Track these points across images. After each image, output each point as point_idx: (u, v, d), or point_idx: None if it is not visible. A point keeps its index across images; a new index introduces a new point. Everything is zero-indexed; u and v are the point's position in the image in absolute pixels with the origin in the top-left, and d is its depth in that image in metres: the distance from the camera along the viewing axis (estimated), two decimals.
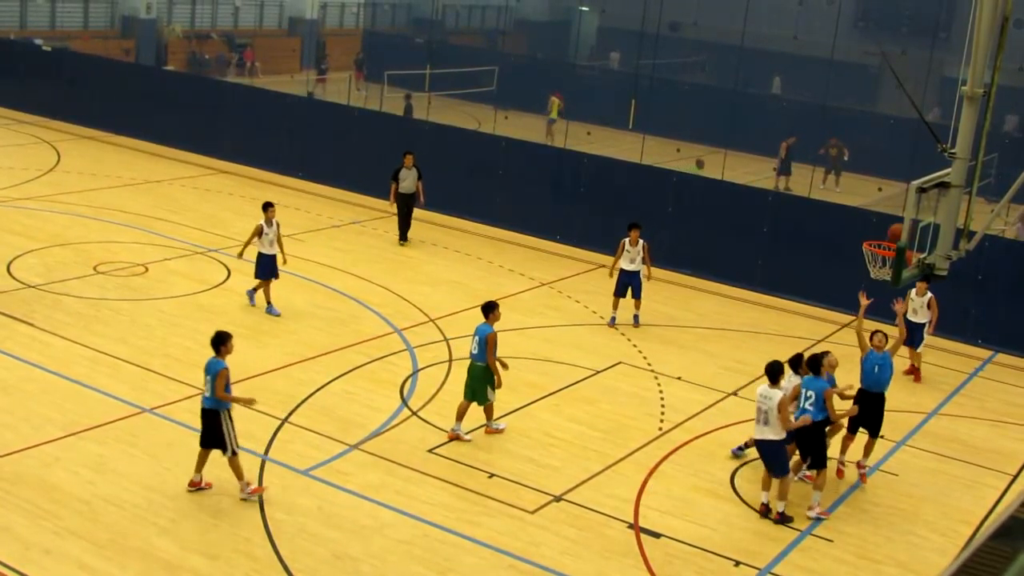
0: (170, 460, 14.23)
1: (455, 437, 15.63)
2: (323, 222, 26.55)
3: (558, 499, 14.18)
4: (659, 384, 18.56)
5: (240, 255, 20.27)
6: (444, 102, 41.36)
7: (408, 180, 25.42)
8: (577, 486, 14.61)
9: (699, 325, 22.08)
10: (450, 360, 18.56)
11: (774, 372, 14.09)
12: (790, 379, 14.72)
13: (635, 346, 20.22)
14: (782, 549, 13.63)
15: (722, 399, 18.27)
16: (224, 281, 21.56)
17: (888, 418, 16.16)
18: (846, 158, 36.33)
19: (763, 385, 14.26)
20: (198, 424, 14.64)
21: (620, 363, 19.24)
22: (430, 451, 15.17)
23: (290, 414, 15.87)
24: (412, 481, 14.30)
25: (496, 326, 15.73)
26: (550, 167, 27.68)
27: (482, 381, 15.56)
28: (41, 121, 35.20)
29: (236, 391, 14.00)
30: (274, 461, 14.45)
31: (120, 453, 14.28)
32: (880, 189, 33.79)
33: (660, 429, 16.74)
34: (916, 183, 14.93)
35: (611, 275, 21.61)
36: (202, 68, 47.24)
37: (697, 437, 16.61)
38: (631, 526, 13.75)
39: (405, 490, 14.05)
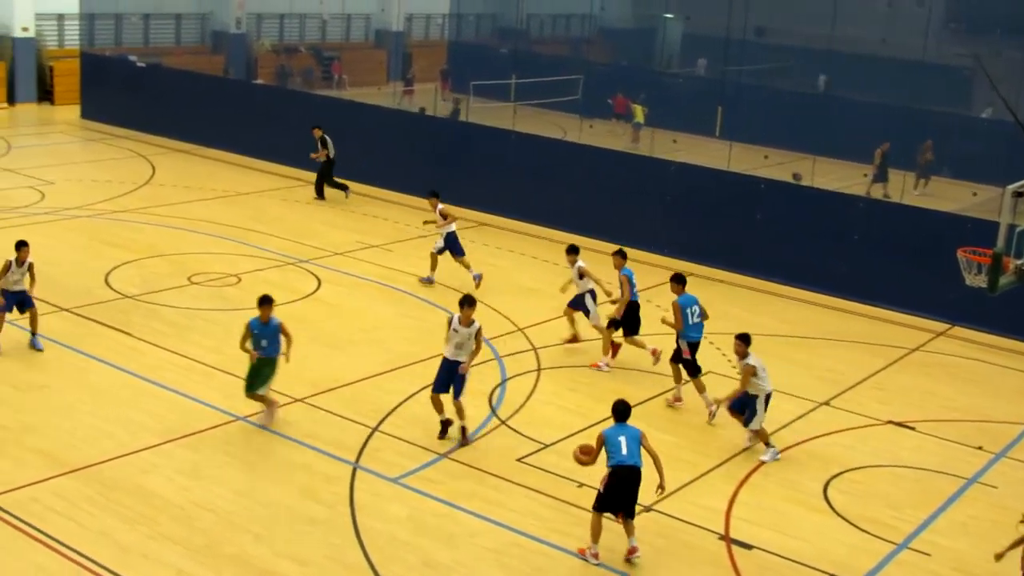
0: (263, 467, 14.40)
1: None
2: (410, 232, 26.72)
3: (648, 509, 14.10)
4: None
5: None
6: (529, 111, 41.40)
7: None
8: (667, 496, 14.52)
9: (789, 334, 21.83)
10: (538, 369, 18.55)
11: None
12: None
13: (724, 355, 20.04)
14: (877, 562, 13.41)
15: (813, 409, 18.04)
16: (314, 291, 21.80)
17: (987, 428, 15.85)
18: (932, 159, 35.73)
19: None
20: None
21: (709, 372, 19.08)
22: (519, 460, 15.18)
23: (380, 423, 15.98)
24: (501, 490, 14.32)
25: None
26: (636, 175, 27.58)
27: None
28: (136, 135, 35.92)
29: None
30: (365, 469, 14.55)
31: (214, 460, 14.49)
32: (975, 194, 33.15)
33: (751, 439, 16.57)
34: (1012, 187, 14.63)
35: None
36: (291, 81, 47.83)
37: (788, 448, 16.41)
38: (722, 537, 13.63)
39: (495, 499, 14.08)
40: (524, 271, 24.46)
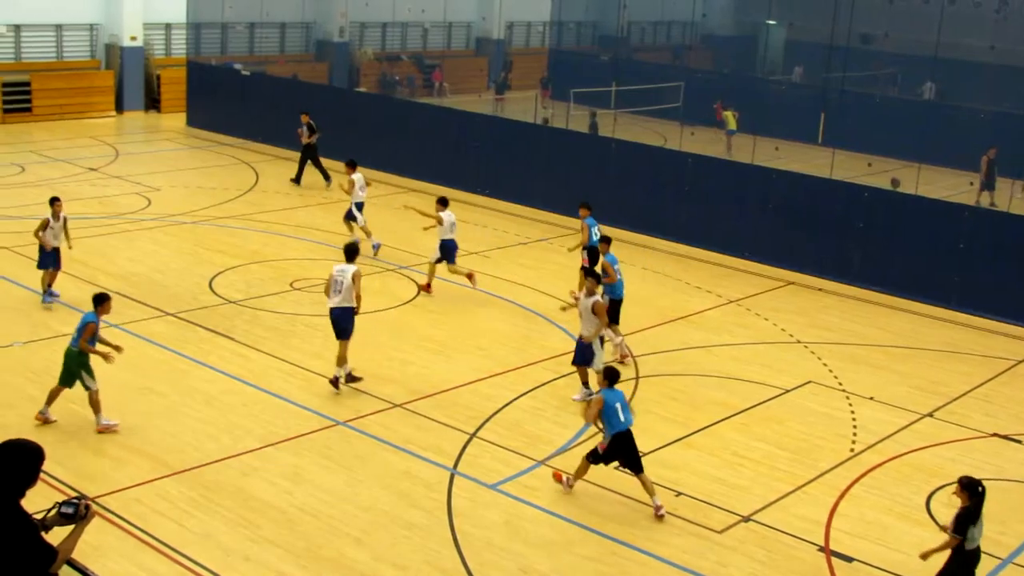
0: (363, 472, 14.56)
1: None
2: (510, 239, 26.83)
3: (746, 519, 13.99)
4: (850, 404, 18.13)
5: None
6: (630, 119, 41.33)
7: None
8: (766, 507, 14.39)
9: (892, 344, 21.50)
10: (636, 377, 18.51)
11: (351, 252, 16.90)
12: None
13: (825, 364, 19.81)
14: None
15: (916, 420, 17.74)
16: (413, 298, 21.99)
17: None
18: None
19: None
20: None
21: (810, 382, 18.88)
22: (617, 468, 15.16)
23: (478, 429, 16.06)
24: (599, 498, 14.31)
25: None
26: (738, 183, 27.36)
27: (77, 366, 15.23)
28: (240, 143, 36.59)
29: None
30: (463, 475, 14.64)
31: (315, 464, 14.69)
32: None
33: (851, 450, 16.35)
34: None
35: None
36: (392, 89, 48.33)
37: (890, 459, 16.16)
38: (821, 549, 13.46)
39: (592, 506, 14.07)
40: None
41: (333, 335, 17.24)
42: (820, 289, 24.70)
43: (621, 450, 13.96)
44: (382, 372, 17.47)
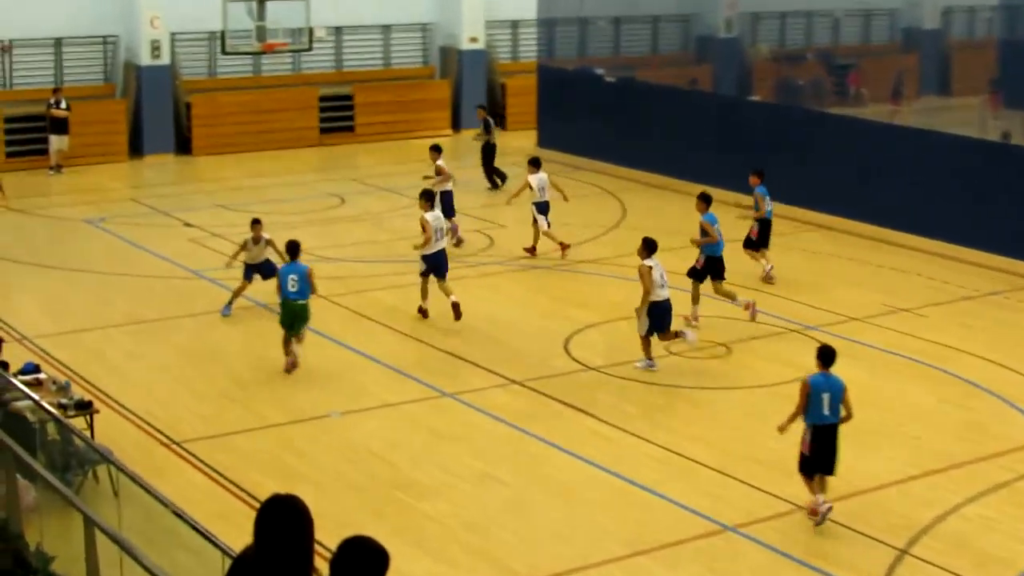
0: None
1: None
2: (951, 293, 25.95)
3: None
4: None
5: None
6: None
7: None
8: None
9: None
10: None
11: None
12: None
13: None
14: None
15: None
16: None
17: None
18: None
19: None
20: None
21: None
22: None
23: (910, 544, 15.55)
24: None
25: None
26: None
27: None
28: (603, 167, 36.99)
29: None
30: None
31: None
32: None
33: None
34: None
35: None
36: (794, 97, 47.89)
37: None
38: None
39: None
40: None
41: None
42: None
43: (820, 446, 15.60)
44: (782, 463, 17.08)
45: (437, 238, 23.31)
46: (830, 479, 15.95)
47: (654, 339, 21.03)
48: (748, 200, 26.35)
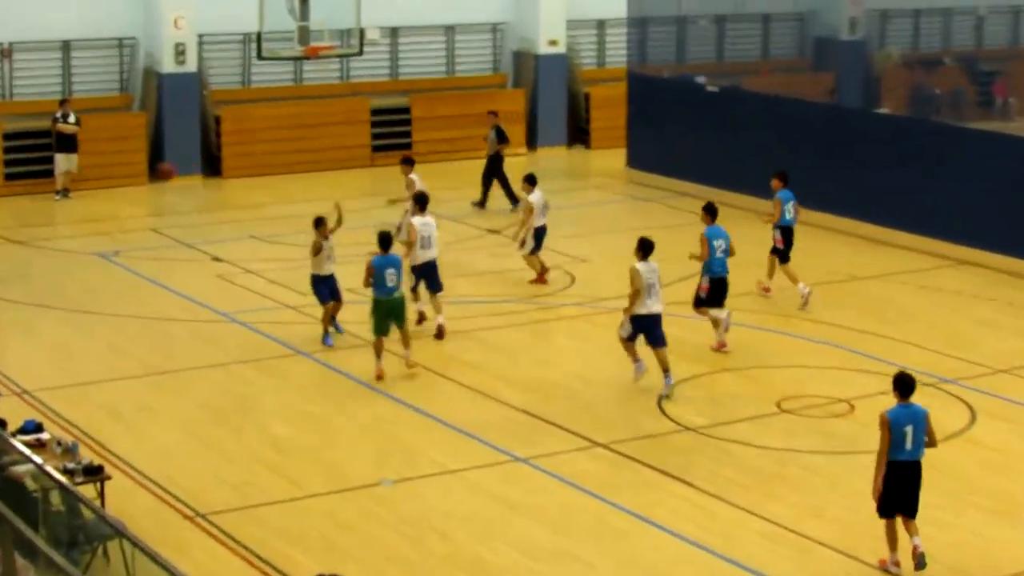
0: None
1: None
2: None
3: None
4: None
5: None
6: None
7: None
8: None
9: None
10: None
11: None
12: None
13: None
14: None
15: None
16: (966, 428, 21.37)
17: None
18: None
19: None
20: None
21: None
22: None
23: None
24: None
25: None
26: None
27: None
28: (704, 191, 36.59)
29: None
30: None
31: None
32: None
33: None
34: None
35: None
36: (930, 108, 47.59)
37: None
38: None
39: None
40: None
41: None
42: None
43: (900, 485, 16.12)
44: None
45: (422, 245, 24.74)
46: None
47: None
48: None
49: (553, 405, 22.09)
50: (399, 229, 26.98)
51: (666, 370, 22.24)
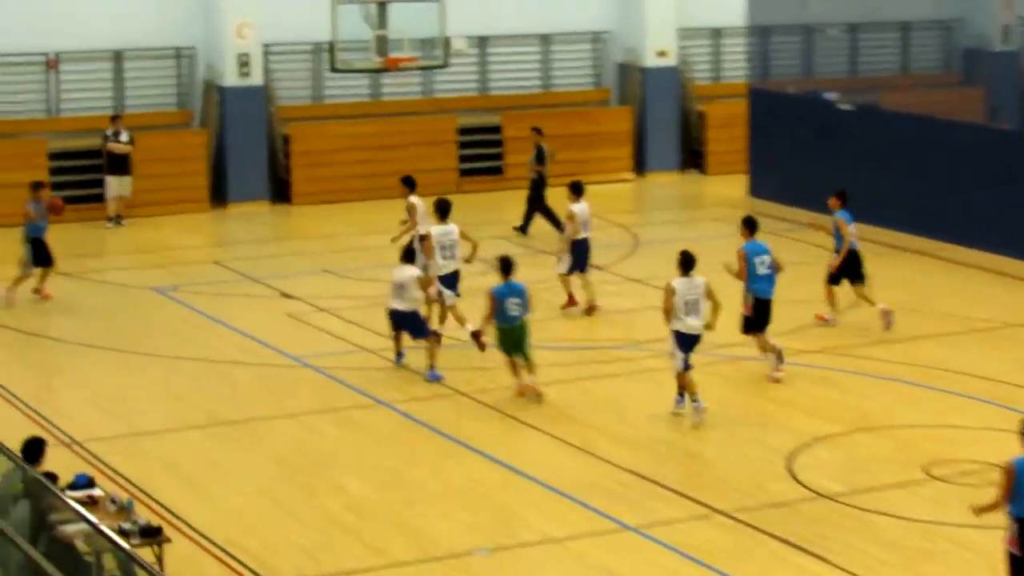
0: None
1: None
2: None
3: None
4: None
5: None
6: None
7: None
8: None
9: None
10: None
11: None
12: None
13: None
14: None
15: None
16: None
17: None
18: None
19: None
20: None
21: None
22: None
23: None
24: None
25: None
26: None
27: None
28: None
29: None
30: None
31: None
32: None
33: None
34: None
35: None
36: None
37: None
38: None
39: None
40: None
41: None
42: None
43: None
44: None
45: (444, 256, 26.24)
46: None
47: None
48: None
49: (667, 466, 22.07)
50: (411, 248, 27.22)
51: (693, 394, 23.40)
